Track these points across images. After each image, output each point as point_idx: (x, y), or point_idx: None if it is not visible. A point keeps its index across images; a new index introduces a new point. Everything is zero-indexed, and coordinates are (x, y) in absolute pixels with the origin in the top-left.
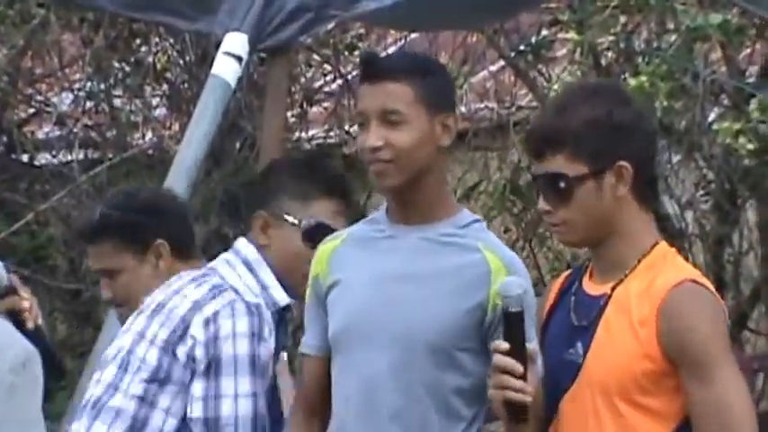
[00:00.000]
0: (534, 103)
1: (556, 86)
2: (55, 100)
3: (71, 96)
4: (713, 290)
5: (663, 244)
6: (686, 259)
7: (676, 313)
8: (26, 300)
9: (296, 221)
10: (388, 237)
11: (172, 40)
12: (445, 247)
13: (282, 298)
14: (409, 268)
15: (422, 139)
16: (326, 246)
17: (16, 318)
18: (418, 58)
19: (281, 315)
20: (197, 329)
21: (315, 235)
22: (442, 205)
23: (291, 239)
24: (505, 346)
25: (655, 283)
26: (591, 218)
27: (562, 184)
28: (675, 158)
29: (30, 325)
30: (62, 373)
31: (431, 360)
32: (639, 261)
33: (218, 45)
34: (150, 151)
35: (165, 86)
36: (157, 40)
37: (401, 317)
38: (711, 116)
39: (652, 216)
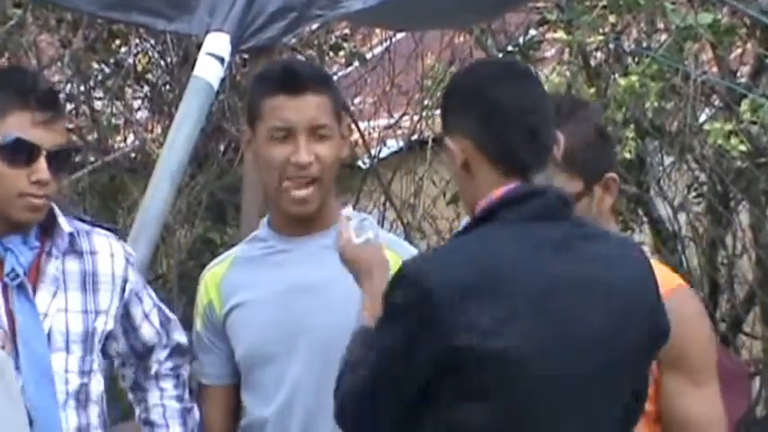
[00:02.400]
0: None
1: (546, 87)
2: None
3: None
4: None
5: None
6: (680, 262)
7: (677, 317)
8: None
9: None
10: (279, 251)
11: (152, 41)
12: None
13: None
14: (311, 278)
15: (339, 151)
16: (214, 271)
17: None
18: (320, 68)
19: None
20: None
21: (12, 153)
22: (332, 211)
23: None
24: None
25: None
26: None
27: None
28: (667, 160)
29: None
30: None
31: None
32: None
33: (199, 46)
34: (133, 155)
35: (146, 88)
36: (138, 41)
37: (315, 327)
38: (702, 117)
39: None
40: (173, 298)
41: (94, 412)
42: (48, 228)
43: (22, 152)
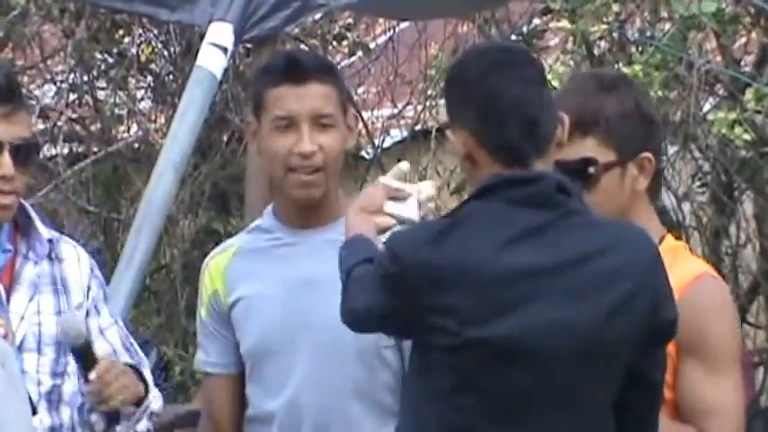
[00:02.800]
0: None
1: (549, 76)
2: (37, 93)
3: (53, 89)
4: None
5: (669, 237)
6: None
7: (699, 304)
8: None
9: None
10: (286, 244)
11: (156, 31)
12: None
13: None
14: (317, 272)
15: (344, 141)
16: (217, 261)
17: None
18: (324, 58)
19: None
20: None
21: None
22: (339, 204)
23: None
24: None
25: (669, 277)
26: (609, 207)
27: (592, 170)
28: (671, 150)
29: None
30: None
31: (358, 361)
32: None
33: (202, 36)
34: (136, 145)
35: (149, 78)
36: (141, 31)
37: (321, 323)
38: (706, 106)
39: (654, 209)
40: (176, 288)
41: (66, 413)
42: (23, 229)
43: None
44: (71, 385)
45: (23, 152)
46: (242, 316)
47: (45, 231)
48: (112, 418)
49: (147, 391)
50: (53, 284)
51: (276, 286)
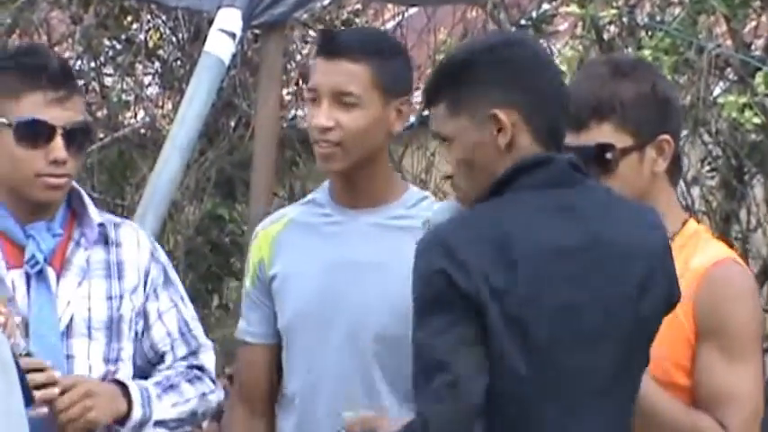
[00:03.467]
0: None
1: (558, 61)
2: None
3: None
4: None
5: (692, 222)
6: None
7: (720, 288)
8: (0, 315)
9: (8, 123)
10: (334, 222)
11: (164, 17)
12: (395, 232)
13: None
14: (359, 255)
15: (374, 124)
16: (268, 230)
17: None
18: (379, 38)
19: None
20: None
21: (26, 133)
22: (389, 186)
23: (9, 143)
24: None
25: (691, 262)
26: (628, 192)
27: (609, 155)
28: (681, 134)
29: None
30: (29, 400)
31: (389, 348)
32: (672, 240)
33: (210, 22)
34: (142, 131)
35: (157, 64)
36: (149, 17)
37: (354, 305)
38: (716, 90)
39: (674, 192)
40: (180, 275)
41: None
42: (76, 215)
43: (37, 133)
44: (126, 371)
45: (76, 136)
46: (281, 289)
47: (96, 216)
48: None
49: (131, 409)
50: (106, 269)
51: (316, 265)
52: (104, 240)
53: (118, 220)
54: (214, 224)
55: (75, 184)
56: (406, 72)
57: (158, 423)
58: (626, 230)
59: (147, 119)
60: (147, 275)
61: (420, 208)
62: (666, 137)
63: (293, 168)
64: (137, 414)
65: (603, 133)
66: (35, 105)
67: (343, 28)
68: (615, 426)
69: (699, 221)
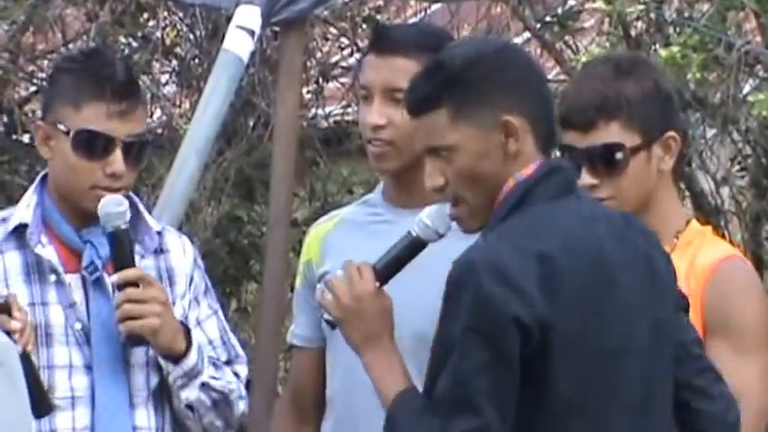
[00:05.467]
0: (562, 77)
1: (584, 59)
2: None
3: None
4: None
5: (695, 221)
6: (722, 237)
7: (728, 284)
8: (17, 321)
9: (66, 130)
10: (385, 221)
11: (181, 14)
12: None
13: (18, 217)
14: None
15: None
16: (318, 229)
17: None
18: (431, 33)
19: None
20: None
21: (84, 144)
22: None
23: (65, 151)
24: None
25: (697, 259)
26: (636, 191)
27: (619, 155)
28: (710, 133)
29: (18, 348)
30: (47, 408)
31: (425, 346)
32: (677, 238)
33: (229, 19)
34: (159, 130)
35: (174, 62)
36: (166, 14)
37: (397, 306)
38: (746, 88)
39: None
40: None
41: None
42: (133, 223)
43: (96, 145)
44: None
45: (136, 149)
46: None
47: (155, 225)
48: (135, 341)
49: (188, 350)
50: (158, 277)
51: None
52: (154, 249)
53: (161, 227)
54: (232, 225)
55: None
56: None
57: (202, 386)
58: (629, 237)
59: (164, 118)
60: (190, 282)
61: None
62: (673, 133)
63: (313, 168)
64: (192, 358)
65: (612, 133)
66: (96, 117)
67: (364, 25)
68: None
69: (728, 222)
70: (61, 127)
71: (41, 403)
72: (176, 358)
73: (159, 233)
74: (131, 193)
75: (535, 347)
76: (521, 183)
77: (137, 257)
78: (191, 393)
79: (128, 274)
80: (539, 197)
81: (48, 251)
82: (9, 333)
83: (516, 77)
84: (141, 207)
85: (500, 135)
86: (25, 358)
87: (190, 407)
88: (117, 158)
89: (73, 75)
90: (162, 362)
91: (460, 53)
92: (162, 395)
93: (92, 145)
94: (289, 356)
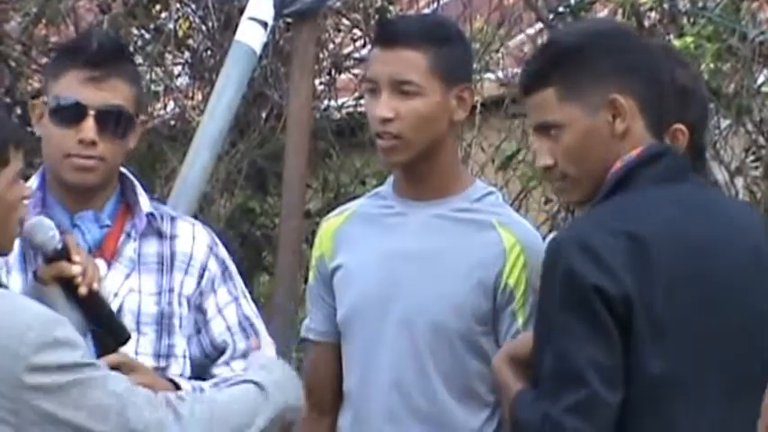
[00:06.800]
0: None
1: None
2: None
3: None
4: None
5: None
6: None
7: None
8: (77, 264)
9: (47, 101)
10: (396, 214)
11: (193, 6)
12: (458, 225)
13: None
14: (419, 247)
15: (435, 112)
16: (329, 223)
17: (69, 284)
18: (436, 24)
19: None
20: None
21: (58, 111)
22: (455, 179)
23: (46, 122)
24: None
25: None
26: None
27: None
28: (724, 123)
29: (83, 291)
30: (123, 340)
31: (442, 339)
32: None
33: (241, 10)
34: (172, 122)
35: (186, 54)
36: (178, 5)
37: (410, 295)
38: (761, 79)
39: None
40: None
41: None
42: (129, 206)
43: (68, 111)
44: (178, 368)
45: (112, 120)
46: (340, 282)
47: (146, 207)
48: None
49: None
50: (159, 263)
51: (374, 256)
52: (158, 233)
53: (174, 213)
54: (245, 217)
55: (129, 175)
56: (466, 59)
57: None
58: (741, 227)
59: (177, 110)
60: (203, 270)
61: (485, 203)
62: (680, 126)
63: (326, 160)
64: None
65: None
66: (70, 84)
67: (377, 16)
68: (744, 425)
69: None
70: (44, 99)
71: (120, 333)
72: None
73: (151, 215)
74: (131, 178)
75: (619, 321)
76: (626, 164)
77: (130, 241)
78: None
79: (109, 360)
80: (645, 179)
81: None
82: (71, 279)
83: (629, 60)
84: (139, 190)
85: (608, 114)
86: (96, 296)
87: None
88: (88, 125)
89: (58, 51)
90: None
91: (575, 32)
92: None
93: (64, 112)
94: (302, 348)
